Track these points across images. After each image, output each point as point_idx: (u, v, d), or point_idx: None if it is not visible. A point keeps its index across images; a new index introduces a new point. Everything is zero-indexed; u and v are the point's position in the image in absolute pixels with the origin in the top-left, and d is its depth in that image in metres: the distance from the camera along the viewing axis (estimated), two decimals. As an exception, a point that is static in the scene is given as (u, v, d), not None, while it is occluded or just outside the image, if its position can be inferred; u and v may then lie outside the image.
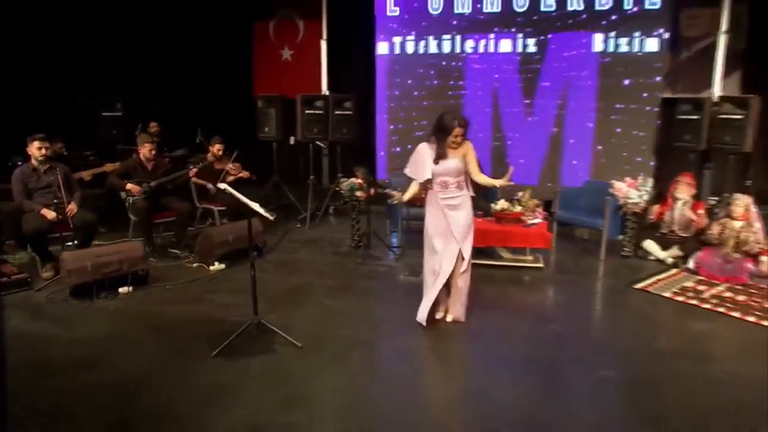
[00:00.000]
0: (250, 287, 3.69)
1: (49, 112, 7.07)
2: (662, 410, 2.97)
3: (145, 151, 5.76)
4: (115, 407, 2.85)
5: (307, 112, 7.26)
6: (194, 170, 5.99)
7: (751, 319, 4.13)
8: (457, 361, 3.70)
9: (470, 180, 3.95)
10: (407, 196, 4.17)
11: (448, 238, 3.86)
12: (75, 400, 2.92)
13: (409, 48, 7.61)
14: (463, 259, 3.88)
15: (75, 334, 3.75)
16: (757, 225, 5.00)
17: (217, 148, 6.59)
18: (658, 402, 3.07)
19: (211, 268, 5.20)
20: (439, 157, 3.81)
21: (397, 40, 7.64)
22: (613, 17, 6.90)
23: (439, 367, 3.67)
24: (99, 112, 7.78)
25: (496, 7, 7.18)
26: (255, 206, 3.55)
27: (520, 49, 7.22)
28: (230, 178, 6.41)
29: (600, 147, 7.19)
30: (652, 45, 6.92)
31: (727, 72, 7.31)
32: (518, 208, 5.46)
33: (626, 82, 7.03)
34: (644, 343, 3.79)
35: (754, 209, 5.07)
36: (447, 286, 3.95)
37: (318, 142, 7.72)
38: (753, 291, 4.69)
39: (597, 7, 6.90)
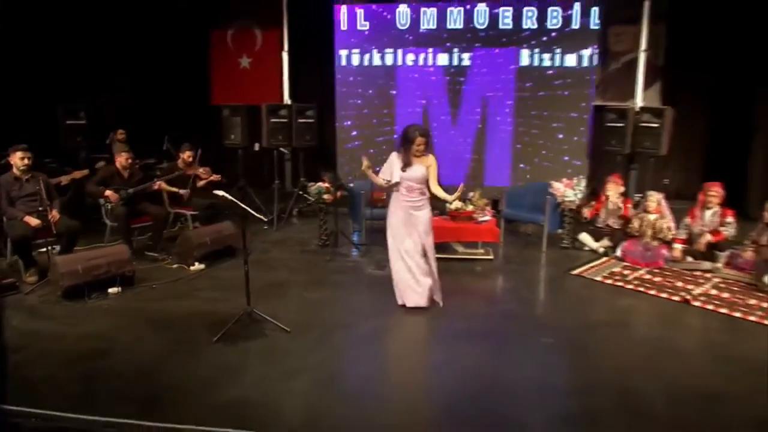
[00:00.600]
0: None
1: (6, 120, 7.16)
2: (593, 365, 3.69)
3: (122, 159, 6.06)
4: (139, 387, 3.27)
5: (272, 120, 7.69)
6: (162, 182, 6.28)
7: (664, 295, 4.95)
8: (424, 336, 4.31)
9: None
10: (368, 167, 4.52)
11: (412, 234, 4.46)
12: (101, 383, 3.31)
13: (366, 60, 8.18)
14: (425, 253, 4.48)
15: (79, 330, 4.08)
16: (668, 217, 5.86)
17: (187, 155, 6.85)
18: (590, 359, 3.79)
19: (192, 268, 5.57)
20: (406, 164, 4.41)
21: (355, 51, 8.18)
22: (553, 34, 7.71)
23: (409, 341, 4.27)
24: (60, 119, 7.91)
25: (454, 23, 7.91)
26: (246, 209, 4.02)
27: (456, 62, 7.98)
28: (201, 183, 6.77)
29: (519, 146, 8.06)
30: (586, 60, 7.77)
31: (649, 83, 8.30)
32: (470, 207, 6.12)
33: (566, 92, 7.87)
34: (579, 317, 4.53)
35: (664, 203, 5.94)
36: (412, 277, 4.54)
37: (282, 149, 8.16)
38: (667, 273, 5.54)
39: (533, 25, 7.72)
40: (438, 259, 4.74)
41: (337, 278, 5.44)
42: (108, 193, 5.84)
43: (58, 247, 5.40)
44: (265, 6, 9.07)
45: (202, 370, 3.47)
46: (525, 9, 7.69)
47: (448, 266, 5.64)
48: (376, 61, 8.15)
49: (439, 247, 5.90)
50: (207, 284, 5.13)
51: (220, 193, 4.07)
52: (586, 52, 7.72)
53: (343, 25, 8.14)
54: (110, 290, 4.86)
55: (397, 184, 4.44)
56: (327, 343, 3.92)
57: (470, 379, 3.46)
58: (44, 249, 5.21)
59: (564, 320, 4.50)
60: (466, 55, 7.96)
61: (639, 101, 7.75)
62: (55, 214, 5.30)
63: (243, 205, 3.96)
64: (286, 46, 8.36)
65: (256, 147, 8.43)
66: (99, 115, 8.43)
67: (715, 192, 5.68)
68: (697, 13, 7.92)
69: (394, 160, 4.45)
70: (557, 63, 7.79)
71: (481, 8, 7.79)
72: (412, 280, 4.49)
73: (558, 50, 7.75)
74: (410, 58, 8.10)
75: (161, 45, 9.22)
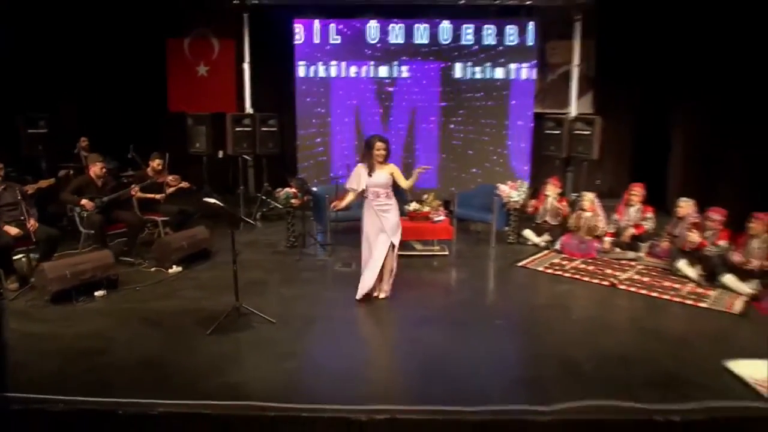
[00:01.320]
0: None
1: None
2: (538, 341, 4.36)
3: (97, 169, 6.31)
4: (147, 375, 3.65)
5: (236, 129, 8.07)
6: (136, 189, 6.57)
7: (596, 281, 5.74)
8: (392, 322, 4.86)
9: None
10: (344, 203, 5.23)
11: (381, 234, 5.02)
12: (111, 375, 3.66)
13: (322, 72, 8.70)
14: (393, 247, 5.05)
15: (76, 330, 4.38)
16: (601, 214, 6.68)
17: (156, 163, 7.12)
18: (535, 336, 4.47)
19: (170, 270, 5.89)
20: (371, 169, 4.96)
21: (312, 64, 8.67)
22: (500, 48, 8.51)
23: (379, 327, 4.82)
24: (21, 129, 7.97)
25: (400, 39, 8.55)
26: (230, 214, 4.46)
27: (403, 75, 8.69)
28: (171, 190, 7.07)
29: (471, 152, 8.81)
30: (528, 73, 8.57)
31: (582, 93, 9.19)
32: (427, 208, 6.75)
33: (518, 102, 8.65)
34: (525, 301, 5.24)
35: (597, 202, 6.76)
36: (380, 272, 5.09)
37: (245, 156, 8.54)
38: (598, 262, 6.35)
39: (485, 42, 8.51)
40: (399, 255, 5.31)
41: (309, 276, 5.93)
42: (84, 201, 6.08)
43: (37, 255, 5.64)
44: (221, 16, 9.38)
45: (202, 358, 3.90)
46: (485, 27, 8.50)
47: (408, 262, 6.22)
48: (333, 73, 8.68)
49: (400, 245, 6.54)
50: (188, 285, 5.50)
51: (211, 200, 4.48)
52: (526, 66, 8.54)
53: (300, 39, 8.62)
54: (96, 293, 5.14)
55: (364, 191, 4.98)
56: (309, 332, 4.43)
57: (434, 356, 4.03)
58: (21, 257, 5.44)
59: (512, 305, 5.19)
60: (404, 68, 8.66)
61: (573, 110, 8.60)
62: (33, 223, 5.54)
63: (232, 212, 4.40)
64: (247, 58, 8.70)
65: (220, 154, 8.77)
66: (60, 124, 8.52)
67: (636, 192, 6.56)
68: (623, 31, 8.88)
69: (361, 170, 4.99)
70: (506, 76, 8.60)
71: (446, 26, 8.51)
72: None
73: (512, 65, 8.57)
74: (353, 70, 8.70)
75: (119, 54, 9.36)
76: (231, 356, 3.94)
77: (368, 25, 8.52)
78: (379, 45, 8.60)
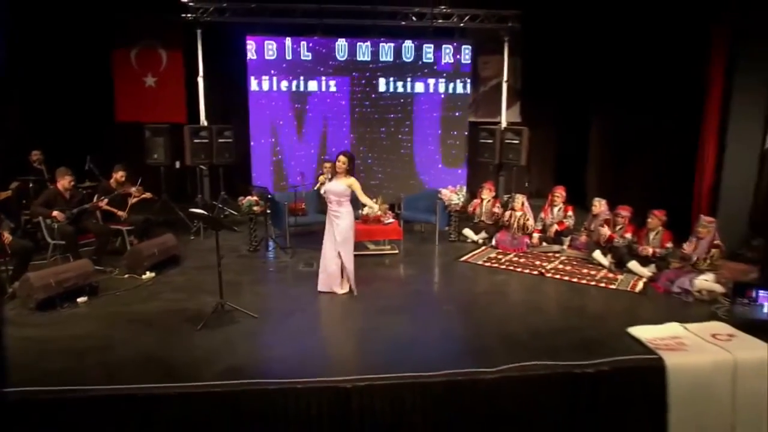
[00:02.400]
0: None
1: None
2: (481, 321, 5.20)
3: (65, 182, 6.61)
4: (152, 366, 4.13)
5: (194, 141, 8.50)
6: (105, 201, 6.90)
7: (527, 271, 6.69)
8: (357, 312, 5.51)
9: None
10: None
11: (328, 241, 5.74)
12: (118, 369, 4.09)
13: (275, 85, 9.27)
14: (339, 254, 5.74)
15: (70, 332, 4.76)
16: (530, 213, 7.67)
17: (120, 175, 7.37)
18: (478, 317, 5.31)
19: (143, 276, 6.29)
20: (332, 178, 5.67)
21: (265, 78, 9.22)
22: (435, 67, 9.40)
23: (345, 317, 5.47)
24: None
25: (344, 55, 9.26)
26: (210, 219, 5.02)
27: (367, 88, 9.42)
28: (134, 200, 7.41)
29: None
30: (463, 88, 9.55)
31: (511, 104, 10.23)
32: (378, 212, 7.48)
33: (458, 113, 9.56)
34: (468, 290, 6.11)
35: (527, 203, 7.75)
36: (341, 270, 5.79)
37: (202, 166, 8.96)
38: (529, 255, 7.32)
39: (425, 60, 9.41)
40: (354, 255, 5.99)
41: (276, 276, 6.54)
42: (55, 213, 6.38)
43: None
44: (169, 28, 9.73)
45: (197, 349, 4.43)
46: (424, 46, 9.39)
47: (363, 261, 6.88)
48: (283, 87, 9.26)
49: (354, 245, 7.25)
50: (165, 288, 5.95)
51: (197, 210, 5.02)
52: (460, 82, 9.51)
53: (252, 54, 9.14)
54: (79, 299, 5.49)
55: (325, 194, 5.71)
56: (286, 323, 5.05)
57: (393, 338, 4.76)
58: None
59: (457, 293, 6.04)
60: (356, 82, 9.42)
61: (503, 119, 9.62)
62: (7, 236, 5.82)
63: (218, 219, 4.95)
64: (201, 72, 9.11)
65: (177, 165, 9.14)
66: (6, 136, 8.57)
67: (558, 194, 7.62)
68: (545, 50, 10.04)
69: (326, 176, 5.71)
70: (445, 91, 9.51)
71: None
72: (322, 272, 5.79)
73: (449, 81, 9.48)
74: (313, 85, 9.37)
75: (64, 64, 9.51)
76: (222, 346, 4.49)
77: (337, 43, 9.21)
78: (333, 62, 9.28)
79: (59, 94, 9.61)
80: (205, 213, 4.99)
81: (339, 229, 5.69)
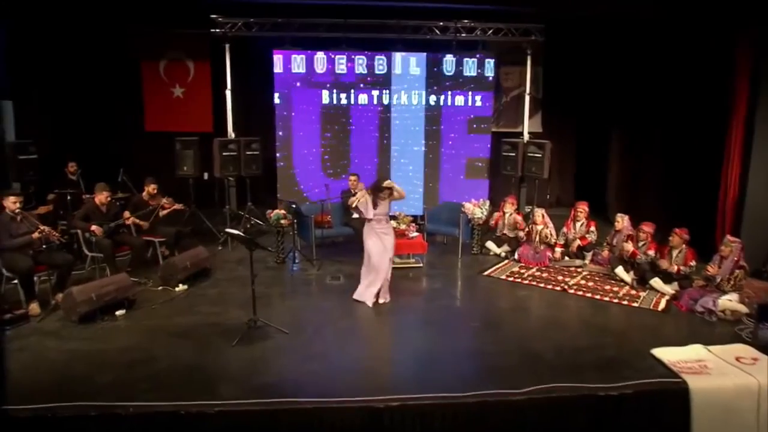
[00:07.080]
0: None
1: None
2: (504, 337, 5.32)
3: (102, 197, 6.88)
4: (196, 375, 4.37)
5: (223, 153, 8.74)
6: (131, 219, 7.11)
7: (550, 286, 6.79)
8: (385, 326, 5.72)
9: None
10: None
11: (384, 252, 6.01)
12: (167, 378, 4.33)
13: (300, 98, 9.45)
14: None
15: (114, 345, 5.00)
16: (550, 226, 7.77)
17: (152, 188, 7.63)
18: (502, 333, 5.43)
19: (177, 289, 6.52)
20: (374, 201, 5.97)
21: (289, 91, 9.42)
22: (460, 80, 9.54)
23: (376, 331, 5.67)
24: (12, 155, 8.33)
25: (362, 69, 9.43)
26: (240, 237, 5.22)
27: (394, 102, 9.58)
28: (165, 212, 7.65)
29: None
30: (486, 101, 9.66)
31: (532, 113, 10.32)
32: (403, 226, 7.65)
33: (483, 126, 9.70)
34: (492, 305, 6.25)
35: (546, 216, 7.85)
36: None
37: (230, 177, 9.19)
38: (551, 270, 7.43)
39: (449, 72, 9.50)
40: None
41: (305, 289, 6.74)
42: (94, 227, 6.64)
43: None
44: (195, 40, 10.00)
45: (234, 363, 4.64)
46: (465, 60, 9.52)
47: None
48: (309, 100, 9.45)
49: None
50: (199, 301, 6.17)
51: (233, 231, 5.22)
52: (483, 95, 9.63)
53: (279, 68, 9.35)
54: (117, 312, 5.74)
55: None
56: (320, 337, 5.24)
57: (422, 355, 4.94)
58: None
59: (482, 309, 6.18)
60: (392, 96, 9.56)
61: (526, 134, 9.70)
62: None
63: (254, 240, 5.16)
64: (229, 85, 9.34)
65: (205, 176, 9.41)
66: (44, 149, 8.90)
67: (581, 209, 7.72)
68: (567, 63, 10.12)
69: (368, 200, 6.05)
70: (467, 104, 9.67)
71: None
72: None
73: (483, 93, 9.64)
74: (337, 96, 9.53)
75: (94, 76, 9.90)
76: (258, 360, 4.70)
77: (357, 57, 9.35)
78: (369, 77, 9.47)
79: (91, 106, 9.99)
80: (241, 234, 5.18)
81: (389, 244, 6.06)
